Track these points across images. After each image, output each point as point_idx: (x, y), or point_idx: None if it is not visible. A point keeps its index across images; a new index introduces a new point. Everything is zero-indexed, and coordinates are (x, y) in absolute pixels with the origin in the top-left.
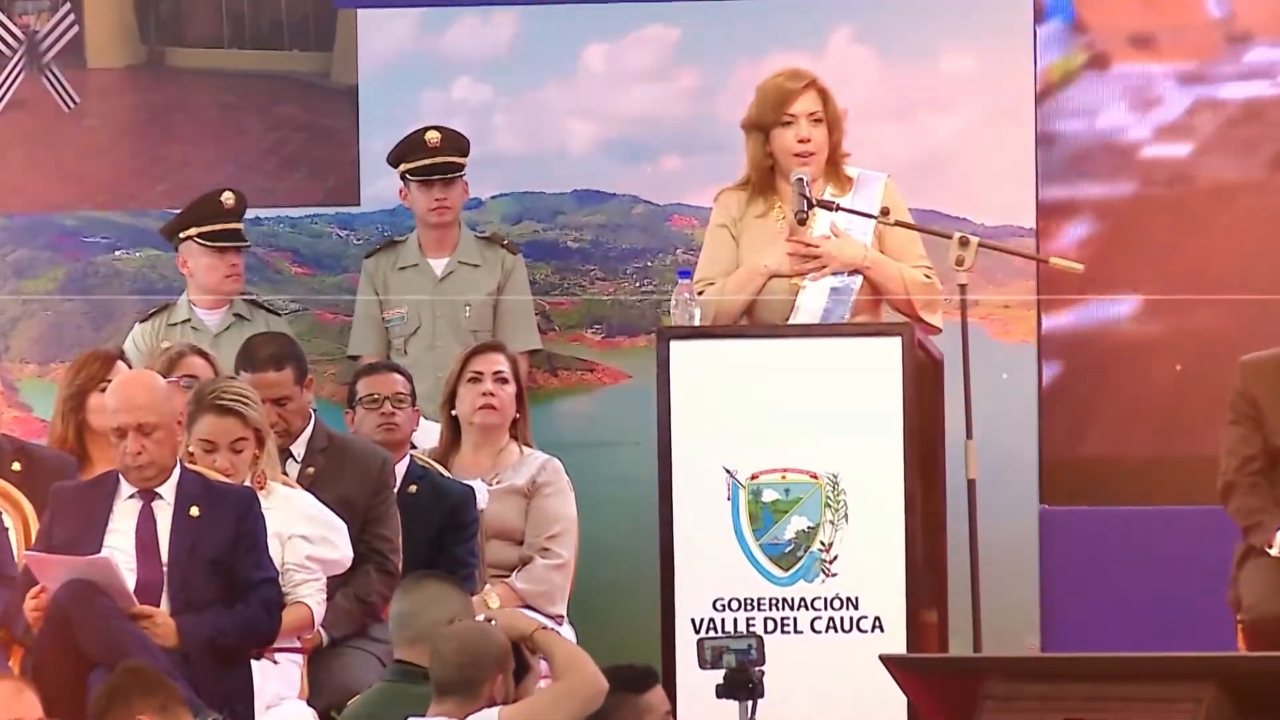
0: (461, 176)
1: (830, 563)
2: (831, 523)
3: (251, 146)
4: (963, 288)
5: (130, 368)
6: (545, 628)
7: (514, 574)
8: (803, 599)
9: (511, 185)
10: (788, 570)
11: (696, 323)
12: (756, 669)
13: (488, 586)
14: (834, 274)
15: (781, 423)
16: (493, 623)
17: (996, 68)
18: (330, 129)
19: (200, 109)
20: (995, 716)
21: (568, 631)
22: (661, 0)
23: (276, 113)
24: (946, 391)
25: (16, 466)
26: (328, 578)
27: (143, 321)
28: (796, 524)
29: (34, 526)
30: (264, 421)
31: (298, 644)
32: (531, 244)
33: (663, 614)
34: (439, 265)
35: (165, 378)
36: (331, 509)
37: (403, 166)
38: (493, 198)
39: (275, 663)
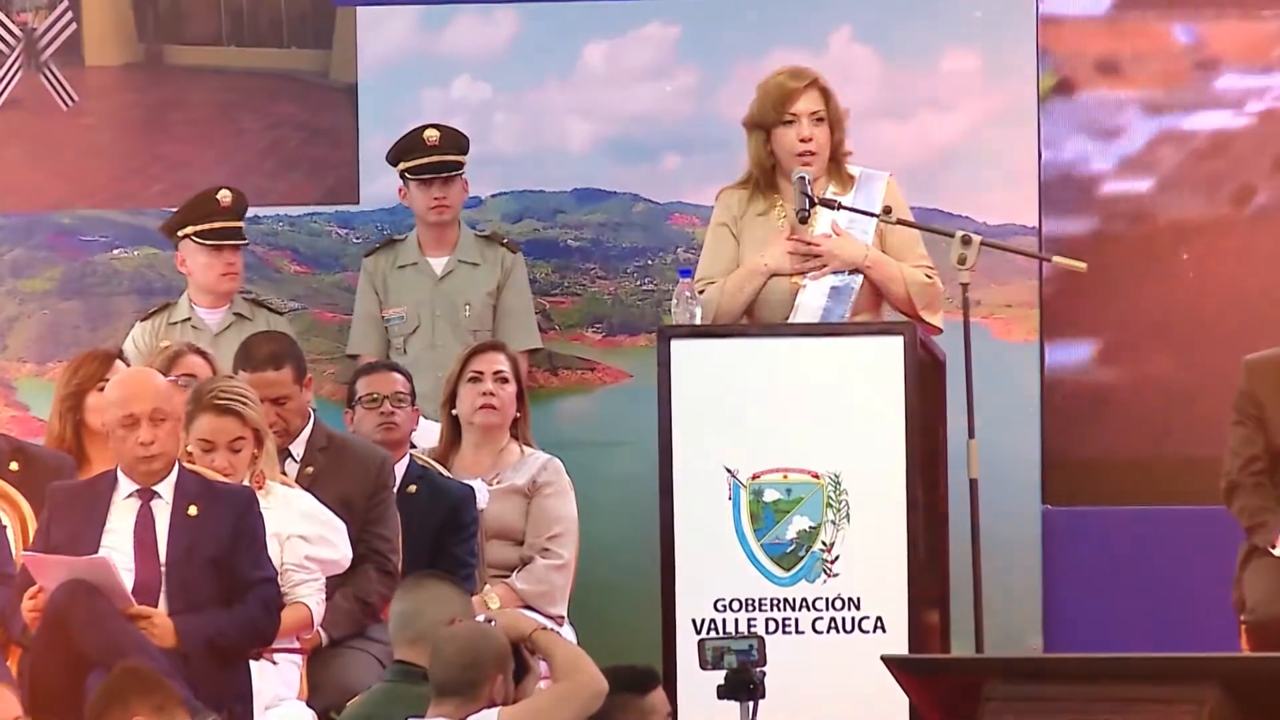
0: (461, 175)
1: (832, 563)
2: (833, 523)
3: (250, 145)
4: (965, 286)
5: (128, 367)
6: (545, 628)
7: (514, 574)
8: (804, 599)
9: (511, 184)
10: (789, 570)
11: (697, 321)
12: (758, 670)
13: (487, 587)
14: (834, 273)
15: (783, 422)
16: (492, 623)
17: (998, 66)
18: (329, 127)
19: (199, 107)
20: (997, 717)
21: (568, 632)
22: None
23: (275, 111)
24: (949, 391)
25: (14, 466)
26: (327, 578)
27: (143, 320)
28: (798, 524)
29: (32, 526)
30: (263, 421)
31: (297, 644)
32: (531, 243)
33: (663, 614)
34: (439, 264)
35: (164, 376)
36: (331, 509)
37: (402, 165)
38: (493, 196)
39: (274, 663)
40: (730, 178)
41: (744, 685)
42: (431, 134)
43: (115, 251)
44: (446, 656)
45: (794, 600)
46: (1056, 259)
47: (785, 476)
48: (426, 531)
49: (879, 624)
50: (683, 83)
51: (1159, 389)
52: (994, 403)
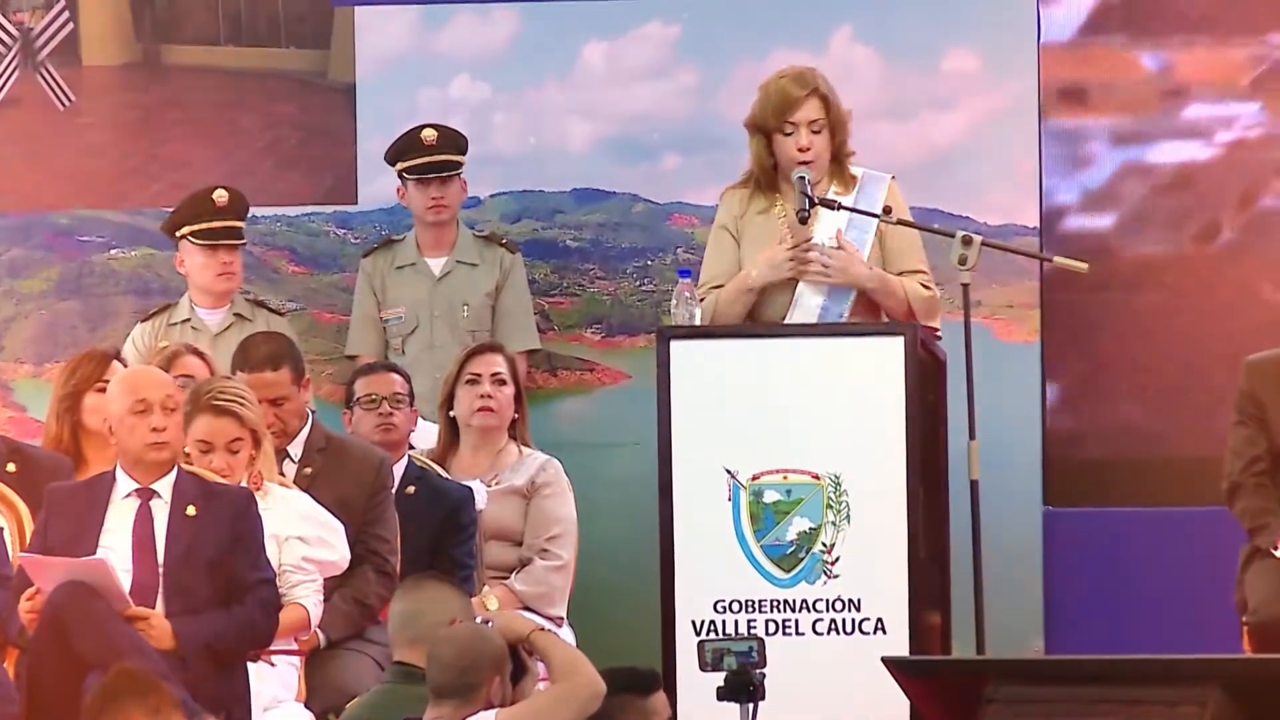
0: (459, 175)
1: (832, 564)
2: (833, 524)
3: (248, 145)
4: (966, 287)
5: (126, 367)
6: (543, 629)
7: (513, 575)
8: (804, 600)
9: (510, 184)
10: (789, 572)
11: (697, 322)
12: (758, 671)
13: (486, 588)
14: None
15: (783, 423)
16: (490, 624)
17: (998, 66)
18: (327, 127)
19: (196, 107)
20: (998, 719)
21: (567, 633)
22: None
23: (273, 111)
24: (949, 391)
25: (11, 467)
26: (325, 579)
27: (143, 321)
28: (798, 525)
29: (29, 527)
30: (260, 422)
31: (295, 646)
32: (530, 243)
33: (663, 616)
34: (437, 264)
35: None
36: (329, 510)
37: (400, 165)
38: (491, 196)
39: (272, 665)
40: (730, 178)
41: (744, 687)
42: (429, 134)
43: (113, 252)
44: (443, 658)
45: (794, 601)
46: (1057, 259)
47: (785, 477)
48: (425, 533)
49: (879, 625)
50: (683, 82)
51: (1160, 389)
52: (995, 403)
